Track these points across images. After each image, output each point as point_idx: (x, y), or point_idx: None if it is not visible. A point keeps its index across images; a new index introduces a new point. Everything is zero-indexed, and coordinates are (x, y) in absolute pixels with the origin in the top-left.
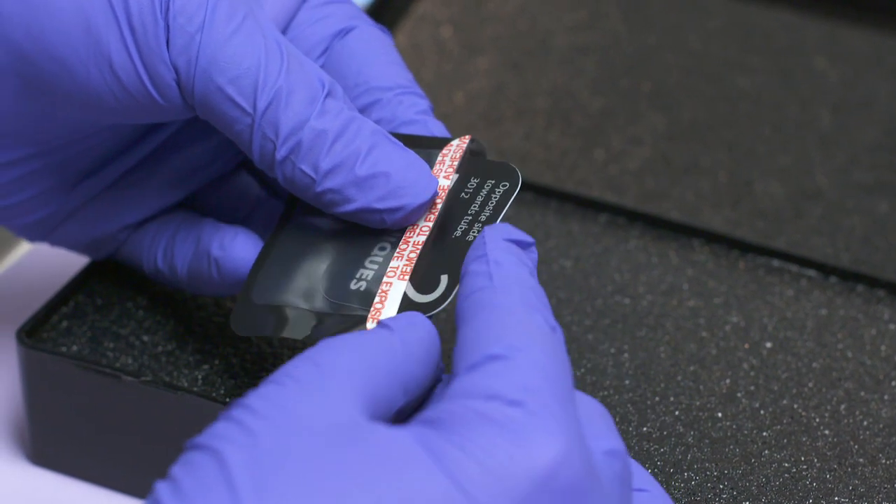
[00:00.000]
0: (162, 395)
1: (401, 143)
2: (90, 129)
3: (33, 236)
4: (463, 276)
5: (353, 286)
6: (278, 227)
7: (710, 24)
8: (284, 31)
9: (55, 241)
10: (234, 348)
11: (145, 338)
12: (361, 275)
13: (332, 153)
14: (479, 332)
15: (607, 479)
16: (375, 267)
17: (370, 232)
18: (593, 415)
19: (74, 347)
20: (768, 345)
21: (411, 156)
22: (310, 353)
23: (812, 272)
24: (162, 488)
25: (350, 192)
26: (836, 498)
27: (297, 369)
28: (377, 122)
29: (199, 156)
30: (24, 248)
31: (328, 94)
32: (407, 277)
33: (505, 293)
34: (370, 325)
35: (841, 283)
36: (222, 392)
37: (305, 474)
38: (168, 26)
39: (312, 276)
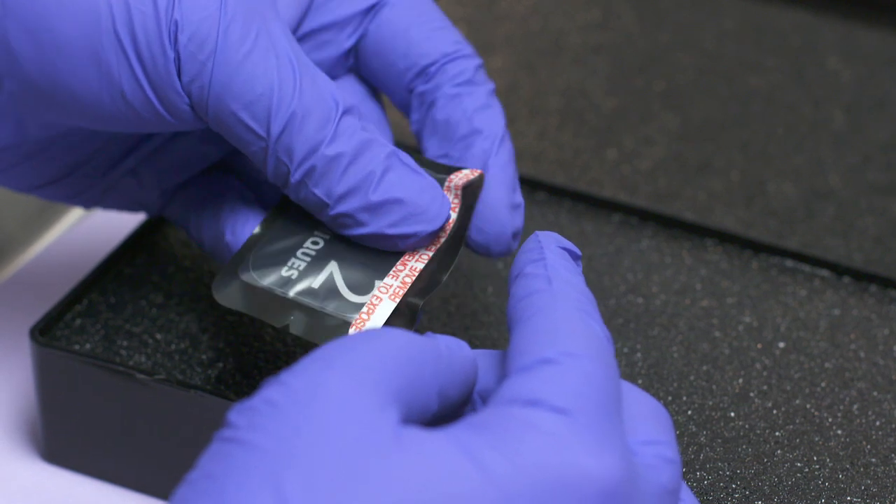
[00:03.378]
0: (175, 394)
1: (416, 166)
2: (100, 135)
3: (85, 205)
4: (516, 278)
5: (284, 272)
6: (279, 206)
7: (723, 24)
8: (307, 12)
9: (102, 206)
10: (248, 347)
11: (159, 336)
12: (292, 264)
13: (345, 178)
14: (534, 336)
15: (652, 490)
16: (307, 259)
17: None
18: (651, 416)
19: (88, 346)
20: (781, 345)
21: (425, 180)
22: (329, 362)
23: (825, 272)
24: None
25: (363, 216)
26: (849, 498)
27: (320, 371)
28: (421, 94)
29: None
30: (38, 247)
31: (344, 113)
32: (397, 300)
33: (563, 298)
34: (352, 331)
35: (854, 284)
36: (235, 391)
37: (336, 476)
38: (178, 54)
39: (295, 267)
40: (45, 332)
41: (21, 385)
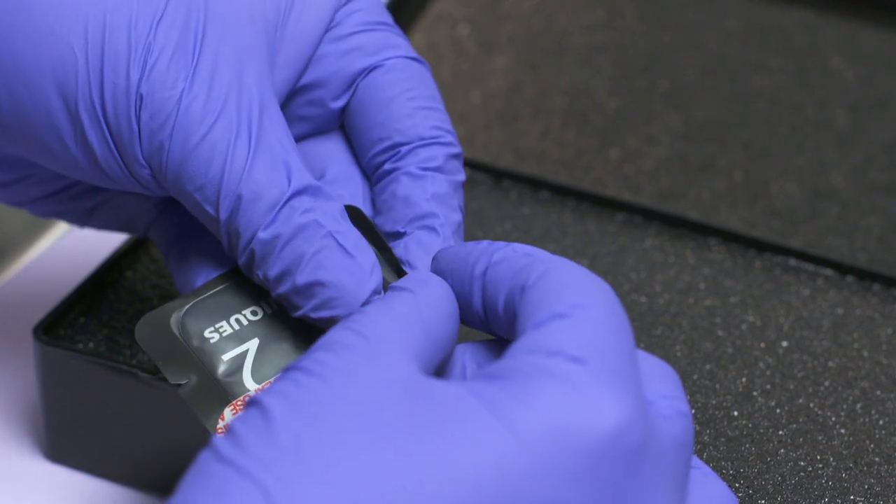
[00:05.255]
0: (177, 392)
1: (352, 246)
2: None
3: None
4: (493, 266)
5: (207, 333)
6: (237, 268)
7: (726, 24)
8: (305, 69)
9: (92, 226)
10: None
11: None
12: (220, 327)
13: (278, 260)
14: (543, 296)
15: (667, 441)
16: (237, 327)
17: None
18: (660, 374)
19: (91, 344)
20: (784, 344)
21: (354, 262)
22: (349, 324)
23: (828, 271)
24: (219, 440)
25: (294, 299)
26: (852, 497)
27: (342, 336)
28: (389, 172)
29: None
30: (40, 246)
31: (294, 195)
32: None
33: (557, 261)
34: (227, 412)
35: (857, 283)
36: None
37: (360, 429)
38: (140, 130)
39: (220, 331)
40: (48, 332)
41: (24, 384)
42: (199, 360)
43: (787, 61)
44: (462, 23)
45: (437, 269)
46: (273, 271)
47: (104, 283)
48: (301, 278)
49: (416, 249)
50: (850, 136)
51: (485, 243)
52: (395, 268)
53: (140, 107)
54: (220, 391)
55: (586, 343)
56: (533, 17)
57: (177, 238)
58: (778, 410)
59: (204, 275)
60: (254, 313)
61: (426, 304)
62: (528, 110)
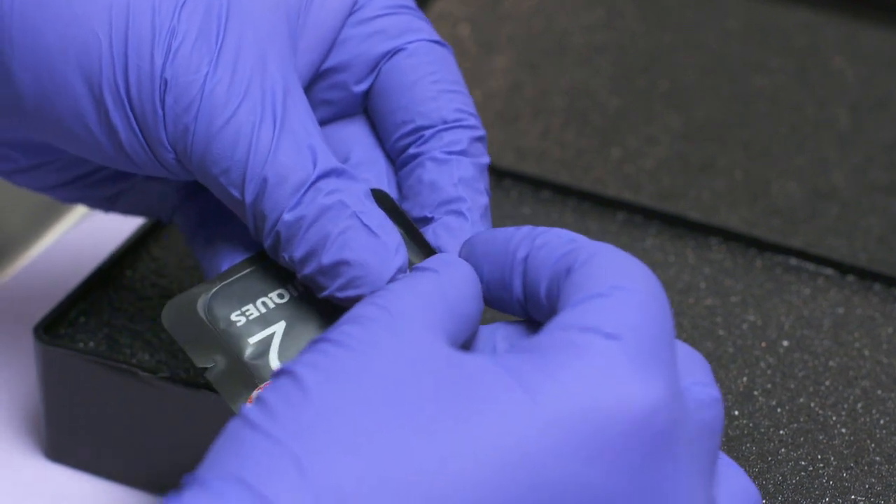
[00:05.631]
0: (179, 391)
1: (376, 226)
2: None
3: (103, 209)
4: (537, 249)
5: (234, 316)
6: (263, 252)
7: (726, 23)
8: (328, 53)
9: (120, 212)
10: None
11: (162, 334)
12: (246, 310)
13: (303, 241)
14: (585, 277)
15: (698, 427)
16: (263, 310)
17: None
18: (692, 361)
19: (91, 344)
20: (785, 343)
21: (379, 241)
22: (374, 299)
23: (829, 271)
24: (250, 408)
25: (320, 279)
26: (853, 496)
27: (367, 311)
28: (414, 156)
29: None
30: (41, 245)
31: (319, 177)
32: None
33: (601, 246)
34: (255, 395)
35: (858, 282)
36: None
37: (388, 402)
38: (165, 114)
39: (246, 314)
40: (49, 331)
41: (24, 383)
42: (226, 343)
43: (788, 61)
44: (463, 22)
45: (472, 254)
46: (299, 252)
47: (105, 281)
48: (326, 258)
49: (445, 234)
50: (850, 136)
51: (526, 228)
52: (423, 249)
53: (164, 90)
54: (247, 374)
55: (623, 322)
56: (533, 17)
57: (201, 223)
58: (779, 410)
59: (230, 259)
60: (280, 296)
61: (450, 283)
62: (529, 110)
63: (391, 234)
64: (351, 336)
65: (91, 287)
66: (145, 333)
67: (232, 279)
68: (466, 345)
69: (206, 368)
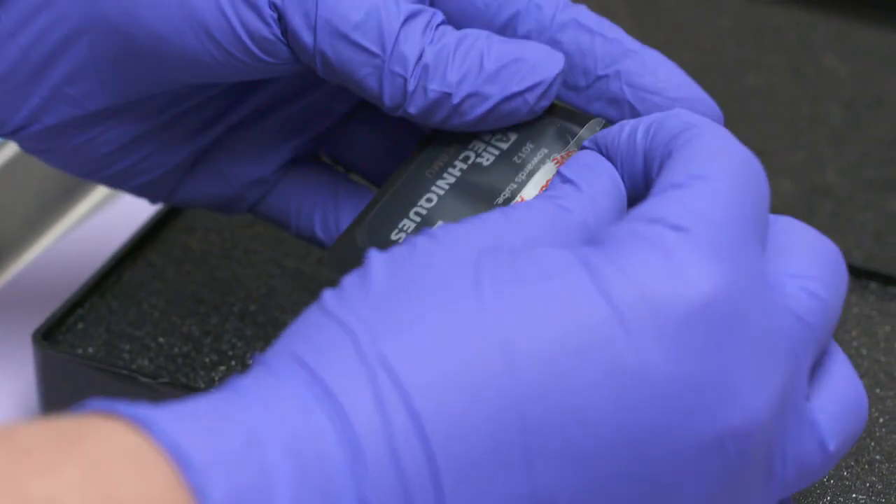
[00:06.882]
0: (179, 397)
1: (519, 41)
2: (193, 89)
3: (154, 198)
4: (662, 120)
5: (394, 236)
6: (396, 172)
7: (720, 22)
8: None
9: (178, 201)
10: (251, 350)
11: (161, 339)
12: (402, 225)
13: (456, 62)
14: (673, 164)
15: (780, 318)
16: (418, 219)
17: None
18: (810, 253)
19: (90, 349)
20: None
21: (527, 42)
22: (506, 209)
23: None
24: (326, 292)
25: (485, 88)
26: (854, 495)
27: (493, 215)
28: (526, 35)
29: (308, 106)
30: (38, 249)
31: (441, 21)
32: None
33: (706, 128)
34: None
35: (854, 281)
36: None
37: (452, 282)
38: None
39: (404, 230)
40: (48, 336)
41: (23, 389)
42: None
43: (781, 59)
44: None
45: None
46: (455, 73)
47: (103, 287)
48: (490, 64)
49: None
50: (844, 134)
51: (649, 116)
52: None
53: None
54: None
55: (692, 212)
56: None
57: (297, 208)
58: None
59: (352, 212)
60: (428, 200)
61: (591, 204)
62: None
63: (525, 41)
64: (447, 229)
65: (90, 293)
66: (144, 339)
67: (377, 207)
68: None
69: None
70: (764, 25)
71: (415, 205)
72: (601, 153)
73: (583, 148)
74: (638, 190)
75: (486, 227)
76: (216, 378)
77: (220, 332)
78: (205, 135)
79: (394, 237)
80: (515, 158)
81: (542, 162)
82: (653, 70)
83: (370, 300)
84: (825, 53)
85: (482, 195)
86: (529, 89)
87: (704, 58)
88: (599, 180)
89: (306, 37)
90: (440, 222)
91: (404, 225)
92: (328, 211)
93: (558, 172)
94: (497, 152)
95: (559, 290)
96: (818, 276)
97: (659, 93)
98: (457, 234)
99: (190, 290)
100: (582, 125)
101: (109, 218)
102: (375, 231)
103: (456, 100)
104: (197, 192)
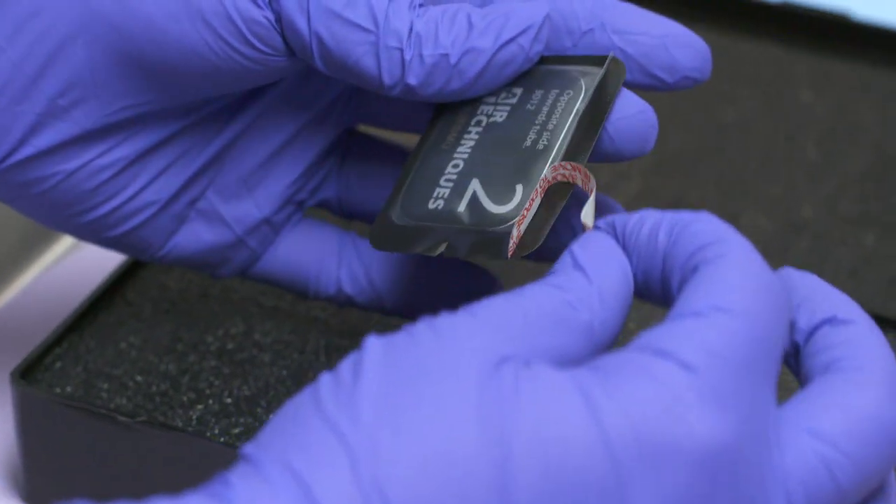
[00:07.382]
0: (157, 436)
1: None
2: (187, 107)
3: (147, 249)
4: (688, 223)
5: (431, 205)
6: (415, 150)
7: None
8: None
9: (174, 255)
10: (228, 388)
11: (139, 378)
12: (437, 193)
13: (445, 27)
14: (695, 286)
15: (781, 487)
16: (450, 184)
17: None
18: (847, 406)
19: (68, 388)
20: None
21: (508, 1)
22: (509, 293)
23: None
24: (325, 376)
25: (479, 43)
26: None
27: (496, 300)
28: None
29: (297, 135)
30: (16, 288)
31: (421, 3)
32: (541, 195)
33: (737, 247)
34: (515, 232)
35: None
36: (217, 432)
37: (438, 392)
38: None
39: (441, 197)
40: (26, 375)
41: (2, 427)
42: (441, 226)
43: (757, 92)
44: None
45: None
46: (446, 37)
47: (80, 326)
48: (477, 20)
49: None
50: (820, 169)
51: (672, 215)
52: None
53: None
54: (479, 232)
55: (706, 351)
56: None
57: (318, 265)
58: None
59: (379, 197)
60: (454, 167)
61: (598, 299)
62: None
63: None
64: (446, 320)
65: (68, 331)
66: (122, 378)
67: (406, 182)
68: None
69: (442, 253)
70: (740, 60)
71: (443, 173)
72: (617, 240)
73: (597, 228)
74: (652, 288)
75: (490, 326)
76: (193, 417)
77: (197, 370)
78: (198, 158)
79: (431, 206)
80: (528, 106)
81: (556, 103)
82: (633, 16)
83: (367, 400)
84: (802, 88)
85: (508, 144)
86: (521, 33)
87: (682, 92)
88: (611, 275)
89: (300, 21)
90: (475, 179)
91: (438, 193)
92: (353, 262)
93: (570, 251)
94: (508, 108)
95: (553, 408)
96: (845, 445)
97: (646, 32)
98: (459, 333)
99: (167, 329)
100: (579, 63)
101: (86, 257)
102: (409, 207)
103: (454, 59)
104: (195, 240)
